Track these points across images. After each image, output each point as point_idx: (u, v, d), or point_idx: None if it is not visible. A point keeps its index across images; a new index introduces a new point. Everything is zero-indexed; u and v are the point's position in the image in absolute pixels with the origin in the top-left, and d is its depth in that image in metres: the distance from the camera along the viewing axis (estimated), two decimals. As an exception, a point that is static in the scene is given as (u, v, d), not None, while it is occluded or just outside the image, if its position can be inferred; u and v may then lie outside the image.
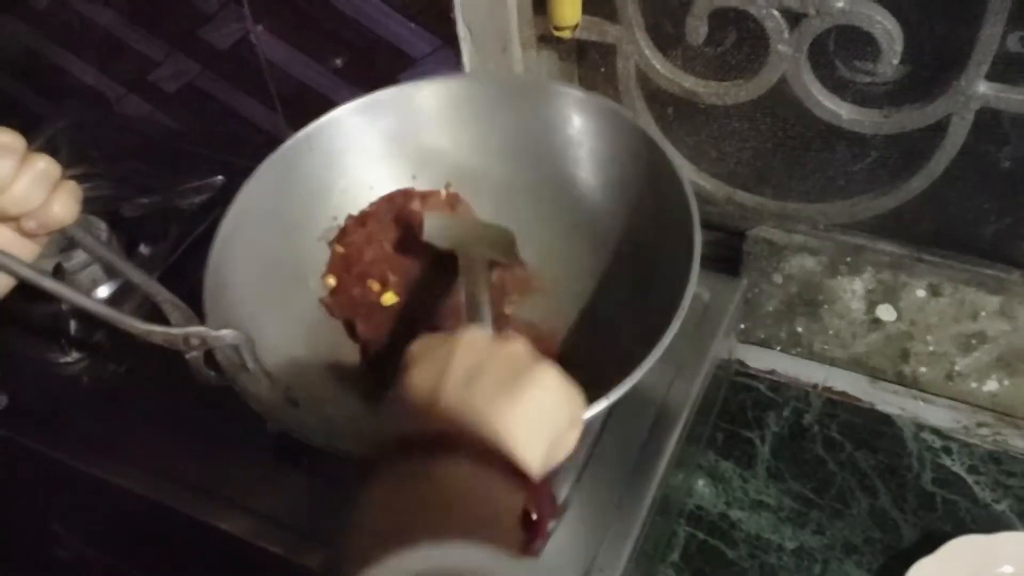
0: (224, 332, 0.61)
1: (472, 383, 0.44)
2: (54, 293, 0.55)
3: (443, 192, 0.79)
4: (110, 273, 0.88)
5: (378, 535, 0.38)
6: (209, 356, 0.62)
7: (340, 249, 0.76)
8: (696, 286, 0.78)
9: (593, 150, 0.75)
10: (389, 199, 0.78)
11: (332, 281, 0.75)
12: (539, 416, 0.44)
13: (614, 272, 0.74)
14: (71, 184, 0.54)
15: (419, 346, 0.48)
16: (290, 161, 0.74)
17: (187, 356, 0.61)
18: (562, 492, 0.67)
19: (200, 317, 0.62)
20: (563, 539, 0.66)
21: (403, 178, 0.79)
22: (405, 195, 0.78)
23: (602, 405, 0.55)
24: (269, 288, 0.71)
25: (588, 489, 0.68)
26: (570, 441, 0.48)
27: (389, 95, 0.77)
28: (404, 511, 0.39)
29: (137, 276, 0.62)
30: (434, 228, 0.72)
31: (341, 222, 0.77)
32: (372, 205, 0.78)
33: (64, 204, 0.53)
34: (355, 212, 0.78)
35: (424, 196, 0.78)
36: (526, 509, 0.42)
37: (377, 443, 0.43)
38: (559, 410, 0.46)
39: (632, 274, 0.72)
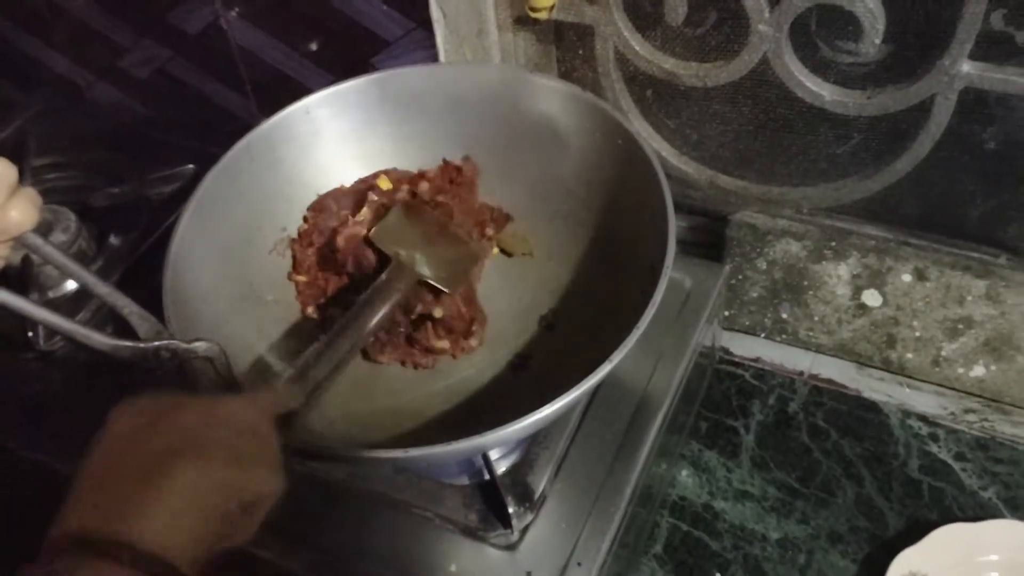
0: (196, 344, 0.58)
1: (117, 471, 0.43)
2: (16, 310, 0.53)
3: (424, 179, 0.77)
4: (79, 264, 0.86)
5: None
6: (179, 369, 0.59)
7: (301, 278, 0.75)
8: (678, 272, 0.77)
9: (566, 138, 0.73)
10: (318, 205, 0.77)
11: (302, 278, 0.74)
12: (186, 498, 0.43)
13: (591, 259, 0.73)
14: (29, 190, 0.51)
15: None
16: (234, 170, 0.72)
17: (157, 375, 0.59)
18: (540, 482, 0.66)
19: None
20: (541, 530, 0.64)
21: (352, 181, 0.78)
22: (333, 193, 0.77)
23: (573, 395, 0.54)
24: (230, 294, 0.70)
25: (567, 479, 0.66)
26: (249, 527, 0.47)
27: (350, 88, 0.75)
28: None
29: (100, 287, 0.59)
30: (391, 225, 0.71)
31: (291, 232, 0.76)
32: (306, 218, 0.77)
33: (22, 210, 0.50)
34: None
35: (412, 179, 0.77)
36: None
37: None
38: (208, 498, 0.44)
39: (609, 261, 0.71)
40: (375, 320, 0.64)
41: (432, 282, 0.68)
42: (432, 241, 0.71)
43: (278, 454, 0.49)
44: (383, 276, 0.66)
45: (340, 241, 0.71)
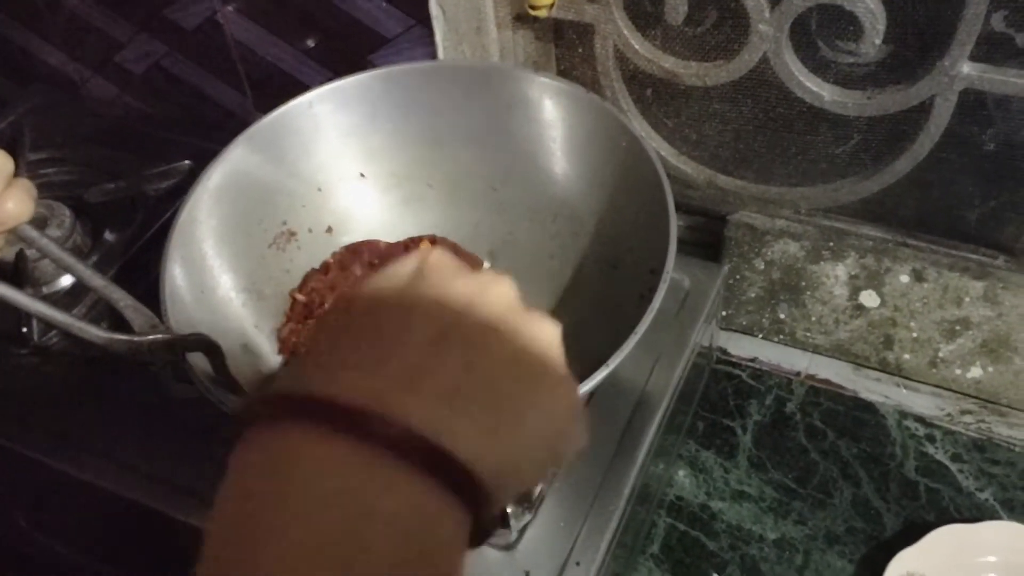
0: (192, 338, 0.58)
1: (441, 346, 0.31)
2: (12, 302, 0.52)
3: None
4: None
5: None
6: (176, 363, 0.59)
7: (301, 297, 0.74)
8: (676, 272, 0.77)
9: (566, 136, 0.73)
10: (352, 249, 0.77)
11: (286, 331, 0.73)
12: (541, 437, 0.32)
13: (591, 259, 0.73)
14: (24, 181, 0.51)
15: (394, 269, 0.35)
16: (234, 165, 0.71)
17: (152, 369, 0.58)
18: (538, 485, 0.66)
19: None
20: (539, 531, 0.64)
21: (351, 176, 0.77)
22: (368, 246, 0.77)
23: (582, 390, 0.54)
24: (228, 288, 0.70)
25: (565, 479, 0.66)
26: (575, 440, 0.35)
27: (350, 84, 0.75)
28: None
29: (96, 280, 0.59)
30: None
31: (291, 227, 0.75)
32: (334, 255, 0.76)
33: (18, 201, 0.50)
34: (303, 222, 0.76)
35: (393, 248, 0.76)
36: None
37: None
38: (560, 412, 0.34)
39: (609, 261, 0.71)
40: None
41: None
42: None
43: None
44: None
45: None
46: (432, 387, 0.30)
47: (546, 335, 0.34)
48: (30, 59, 1.12)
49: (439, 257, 0.35)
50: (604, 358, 0.55)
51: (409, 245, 0.77)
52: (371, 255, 0.75)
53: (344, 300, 0.34)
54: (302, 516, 0.27)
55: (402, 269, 0.35)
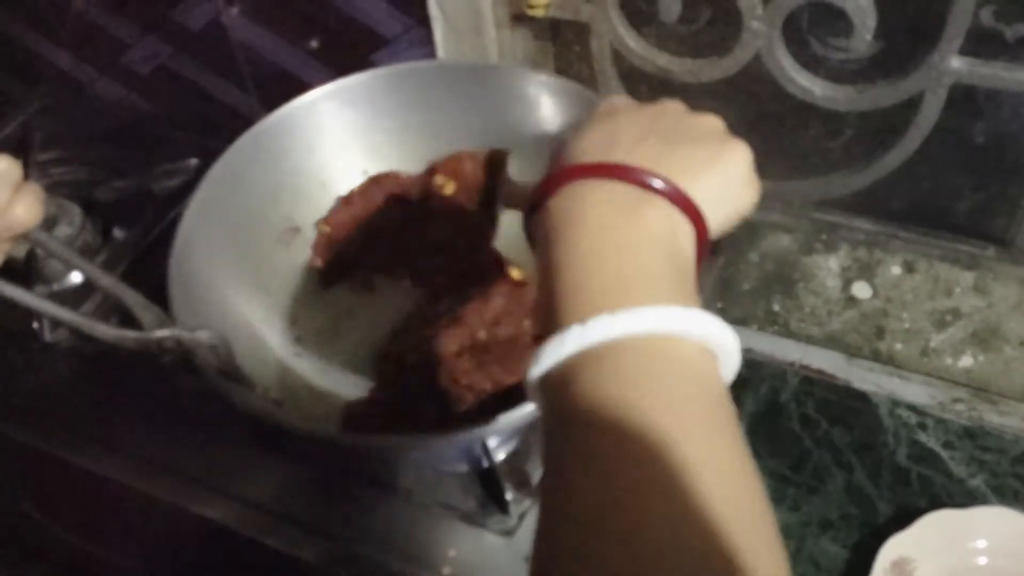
0: (199, 333, 0.59)
1: (676, 143, 0.42)
2: (22, 303, 0.54)
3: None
4: (84, 257, 0.87)
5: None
6: (185, 358, 0.60)
7: (326, 228, 0.75)
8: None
9: (566, 134, 0.74)
10: (375, 180, 0.77)
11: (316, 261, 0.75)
12: (726, 184, 0.43)
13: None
14: (33, 185, 0.52)
15: (620, 100, 0.47)
16: (240, 162, 0.73)
17: (163, 361, 0.60)
18: (538, 469, 0.67)
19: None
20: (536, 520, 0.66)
21: (355, 173, 0.79)
22: (390, 178, 0.77)
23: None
24: (235, 283, 0.71)
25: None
26: (747, 201, 0.45)
27: (355, 82, 0.76)
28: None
29: (104, 279, 0.60)
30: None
31: (296, 223, 0.76)
32: (359, 186, 0.77)
33: (27, 206, 0.51)
34: (308, 218, 0.77)
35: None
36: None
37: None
38: (743, 181, 0.44)
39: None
40: None
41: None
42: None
43: None
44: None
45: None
46: (666, 158, 0.41)
47: (739, 147, 0.44)
48: (39, 61, 1.13)
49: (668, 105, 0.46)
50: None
51: (429, 176, 0.77)
52: (393, 186, 0.76)
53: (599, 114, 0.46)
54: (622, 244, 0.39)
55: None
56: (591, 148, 0.43)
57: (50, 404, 0.80)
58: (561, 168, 0.42)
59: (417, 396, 0.68)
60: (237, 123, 0.74)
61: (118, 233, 0.91)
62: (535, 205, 0.43)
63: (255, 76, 0.99)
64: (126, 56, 1.07)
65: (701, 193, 0.41)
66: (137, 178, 0.96)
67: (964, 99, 0.71)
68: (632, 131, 0.43)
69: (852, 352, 0.84)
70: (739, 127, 0.80)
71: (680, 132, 0.43)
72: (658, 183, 0.40)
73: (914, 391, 0.82)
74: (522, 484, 0.66)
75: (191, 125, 1.04)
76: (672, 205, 0.40)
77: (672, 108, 0.46)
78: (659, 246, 0.39)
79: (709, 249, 0.42)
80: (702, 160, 0.42)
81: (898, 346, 0.82)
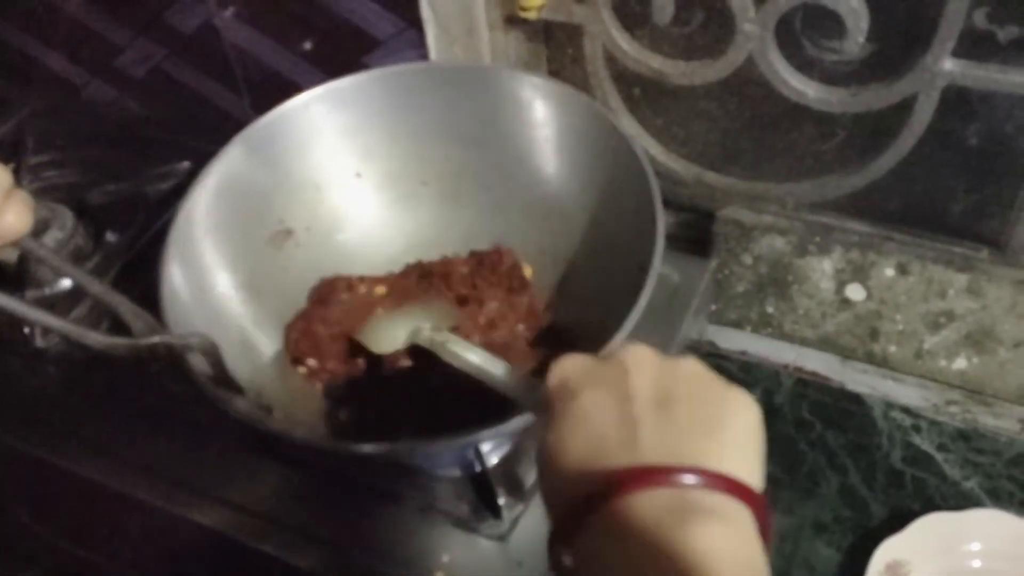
0: (191, 339, 0.59)
1: (667, 409, 0.39)
2: (12, 312, 0.53)
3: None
4: (75, 262, 0.87)
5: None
6: (176, 365, 0.59)
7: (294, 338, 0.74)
8: (666, 267, 0.78)
9: (556, 136, 0.74)
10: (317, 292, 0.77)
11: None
12: (747, 435, 0.40)
13: (582, 256, 0.74)
14: (22, 193, 0.51)
15: (572, 368, 0.42)
16: (231, 165, 0.72)
17: (152, 370, 0.59)
18: (530, 474, 0.67)
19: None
20: (532, 521, 0.66)
21: (348, 175, 0.78)
22: (330, 284, 0.77)
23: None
24: (227, 287, 0.71)
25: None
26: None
27: (346, 84, 0.76)
28: None
29: (94, 286, 0.60)
30: (377, 338, 0.70)
31: (288, 225, 0.76)
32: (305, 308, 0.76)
33: (17, 214, 0.50)
34: (301, 220, 0.77)
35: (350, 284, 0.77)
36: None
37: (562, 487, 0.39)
38: (756, 425, 0.41)
39: (598, 258, 0.72)
40: None
41: (453, 324, 0.69)
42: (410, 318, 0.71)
43: None
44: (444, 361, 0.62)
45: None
46: (677, 438, 0.38)
47: (741, 396, 0.41)
48: (32, 63, 1.13)
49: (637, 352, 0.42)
50: (594, 353, 0.56)
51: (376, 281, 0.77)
52: (330, 289, 0.76)
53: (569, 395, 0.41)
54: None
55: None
56: (584, 452, 0.38)
57: (41, 409, 0.80)
58: (576, 495, 0.37)
59: (410, 400, 0.68)
60: (230, 125, 0.73)
61: (110, 236, 0.91)
62: (560, 537, 0.37)
63: (248, 78, 0.99)
64: (119, 59, 1.07)
65: (730, 462, 0.37)
66: (130, 181, 0.95)
67: (957, 101, 0.71)
68: (612, 417, 0.39)
69: (846, 354, 0.84)
70: (733, 129, 0.81)
71: (673, 395, 0.39)
72: (692, 479, 0.36)
73: (908, 393, 0.82)
74: (515, 489, 0.66)
75: (184, 128, 1.04)
76: (718, 492, 0.36)
77: (645, 366, 0.41)
78: (724, 550, 0.34)
79: (771, 519, 0.38)
80: (712, 423, 0.38)
81: (892, 348, 0.82)
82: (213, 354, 0.61)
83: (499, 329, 0.72)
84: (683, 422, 0.38)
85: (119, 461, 0.75)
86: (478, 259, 0.76)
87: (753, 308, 0.86)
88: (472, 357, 0.57)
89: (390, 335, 0.70)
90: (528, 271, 0.76)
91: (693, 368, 0.41)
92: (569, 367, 0.42)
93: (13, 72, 1.16)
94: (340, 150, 0.78)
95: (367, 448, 0.57)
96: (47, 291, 0.86)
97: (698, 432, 0.38)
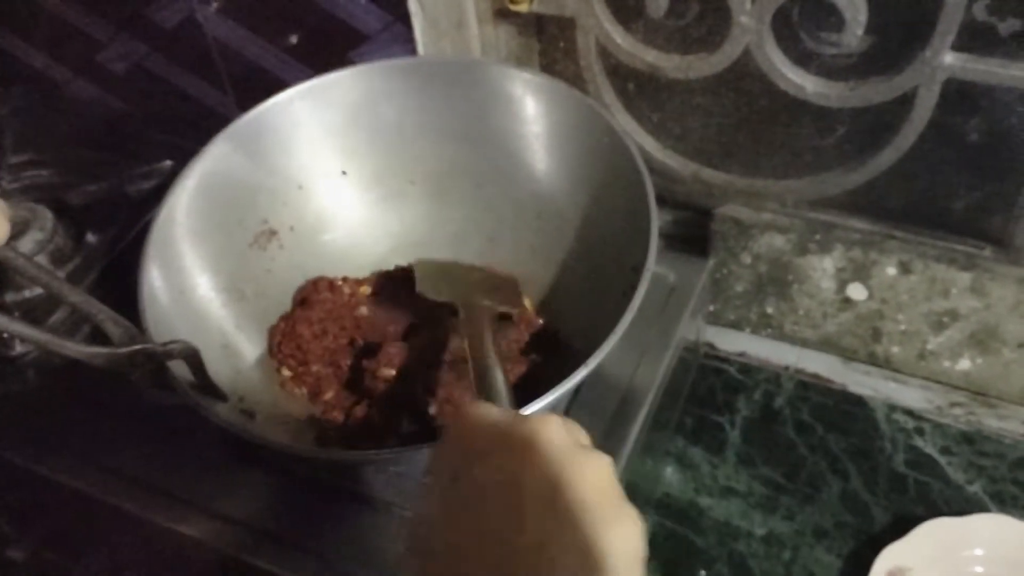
0: (172, 346, 0.57)
1: (554, 515, 0.36)
2: None
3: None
4: (55, 263, 0.84)
5: None
6: (156, 373, 0.58)
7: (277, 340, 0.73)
8: (662, 267, 0.77)
9: (549, 133, 0.73)
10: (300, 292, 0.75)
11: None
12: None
13: (574, 256, 0.73)
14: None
15: (475, 431, 0.40)
16: (214, 163, 0.71)
17: (132, 377, 0.57)
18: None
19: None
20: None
21: (333, 173, 0.77)
22: (313, 285, 0.75)
23: (551, 397, 0.53)
24: (209, 289, 0.69)
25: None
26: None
27: (333, 80, 0.74)
28: None
29: (73, 295, 0.58)
30: (427, 278, 0.67)
31: (272, 225, 0.74)
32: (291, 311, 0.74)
33: None
34: (284, 220, 0.75)
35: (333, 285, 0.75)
36: None
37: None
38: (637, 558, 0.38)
39: (591, 257, 0.70)
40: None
41: (507, 310, 0.67)
42: (472, 279, 0.70)
43: None
44: (462, 334, 0.60)
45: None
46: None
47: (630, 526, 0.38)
48: (11, 61, 1.11)
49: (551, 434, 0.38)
50: (587, 355, 0.55)
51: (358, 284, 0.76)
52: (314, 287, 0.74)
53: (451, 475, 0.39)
54: None
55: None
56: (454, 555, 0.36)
57: (20, 417, 0.78)
58: None
59: (395, 408, 0.66)
60: (213, 123, 0.72)
61: (92, 237, 0.89)
62: None
63: (231, 74, 0.96)
64: (100, 55, 1.05)
65: None
66: (111, 181, 0.93)
67: (958, 96, 0.69)
68: (494, 519, 0.36)
69: (848, 355, 0.83)
70: (730, 124, 0.79)
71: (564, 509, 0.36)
72: None
73: (911, 395, 0.80)
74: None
75: (167, 125, 1.02)
76: None
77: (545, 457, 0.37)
78: None
79: None
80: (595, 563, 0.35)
81: (894, 349, 0.80)
82: (194, 360, 0.59)
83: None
84: (564, 560, 0.35)
85: (99, 469, 0.73)
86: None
87: (752, 308, 0.84)
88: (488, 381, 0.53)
89: (436, 282, 0.67)
90: (528, 303, 0.74)
91: (597, 477, 0.37)
92: (467, 428, 0.39)
93: (-8, 70, 1.14)
94: (325, 147, 0.76)
95: (353, 455, 0.55)
96: (27, 293, 0.84)
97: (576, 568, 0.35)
